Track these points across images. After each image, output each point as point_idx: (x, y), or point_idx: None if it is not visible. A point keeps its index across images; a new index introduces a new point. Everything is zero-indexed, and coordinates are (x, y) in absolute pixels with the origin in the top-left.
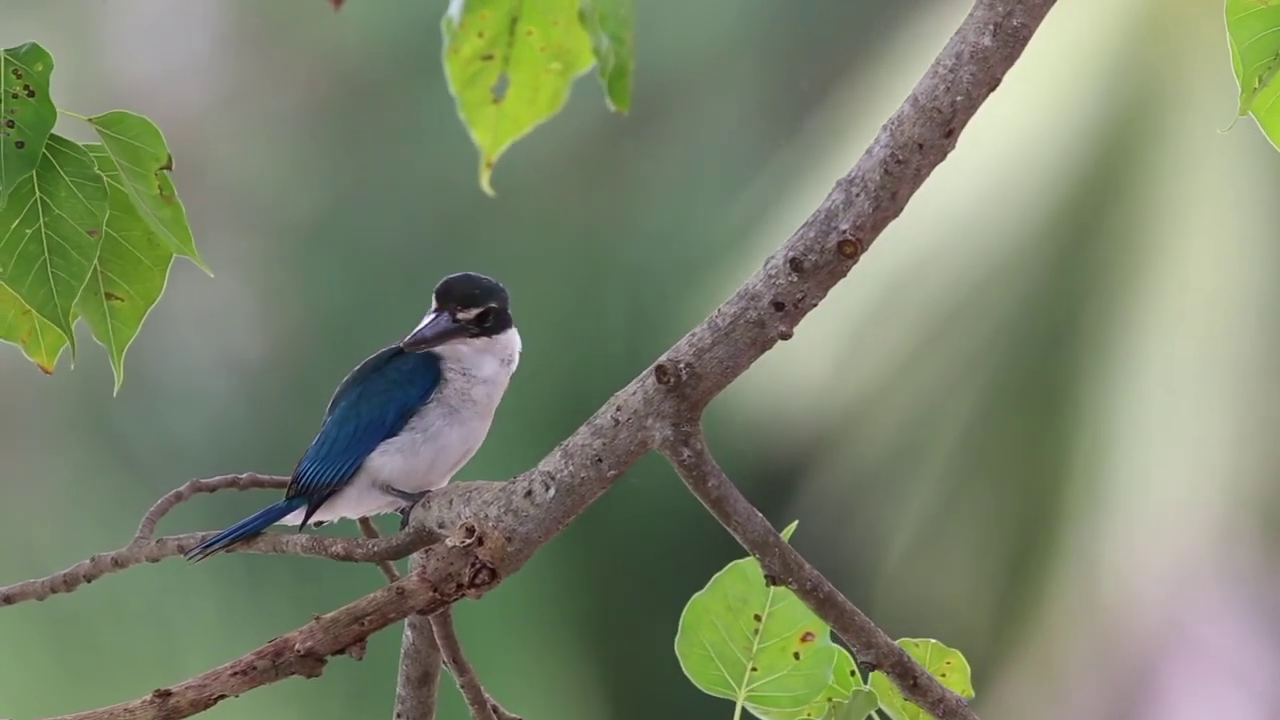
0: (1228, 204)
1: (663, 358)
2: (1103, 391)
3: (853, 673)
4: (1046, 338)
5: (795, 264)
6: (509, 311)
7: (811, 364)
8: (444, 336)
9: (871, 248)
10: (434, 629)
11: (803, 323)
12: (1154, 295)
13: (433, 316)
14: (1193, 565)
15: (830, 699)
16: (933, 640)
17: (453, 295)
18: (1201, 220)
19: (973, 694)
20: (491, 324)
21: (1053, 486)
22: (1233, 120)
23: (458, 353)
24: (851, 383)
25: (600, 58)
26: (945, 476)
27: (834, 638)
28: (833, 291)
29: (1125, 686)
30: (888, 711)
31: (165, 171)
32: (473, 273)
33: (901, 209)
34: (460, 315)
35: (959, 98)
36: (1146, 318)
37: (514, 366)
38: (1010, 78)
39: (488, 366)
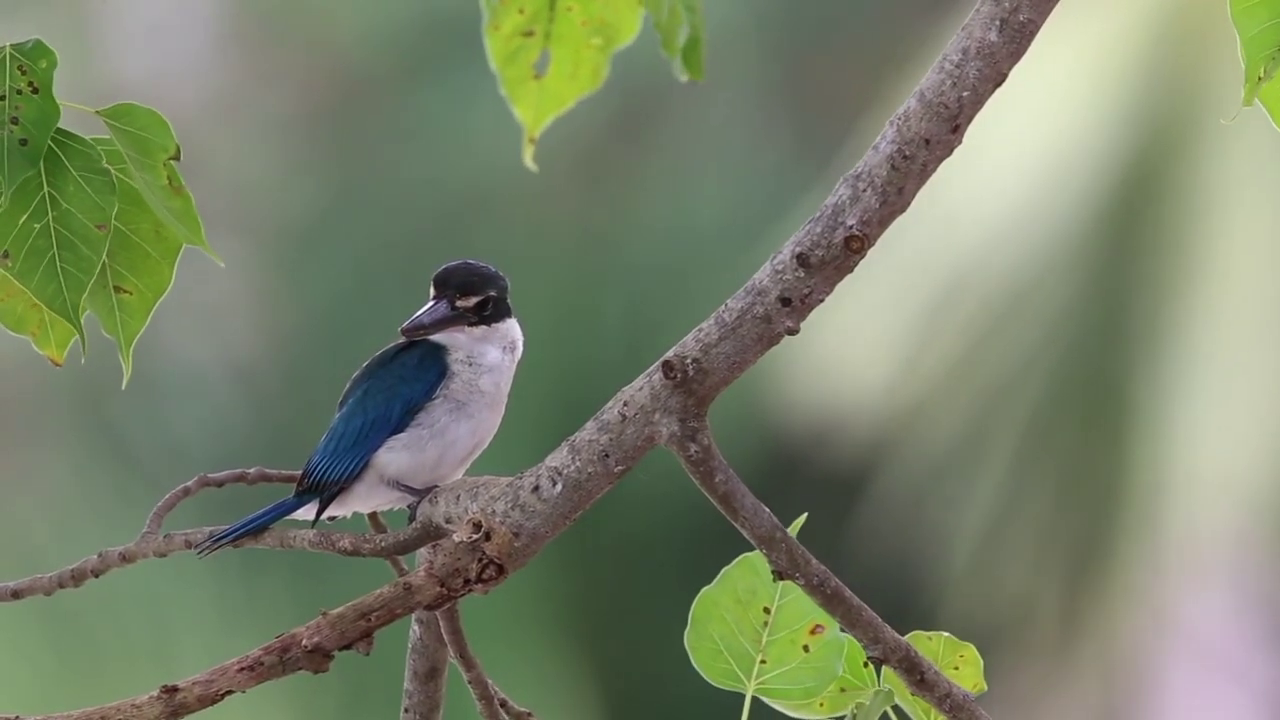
0: (1269, 198)
1: (670, 353)
2: (1155, 387)
3: (866, 664)
4: (1098, 338)
5: (802, 259)
6: (508, 300)
7: (872, 366)
8: (442, 324)
9: (925, 252)
10: (441, 624)
11: (861, 330)
12: (1201, 291)
13: (431, 304)
14: (1222, 565)
15: (842, 689)
16: (945, 634)
17: (451, 283)
18: (1243, 215)
19: (985, 688)
20: (491, 312)
21: (1110, 482)
22: (1236, 111)
23: (457, 341)
24: (911, 384)
25: (662, 29)
26: (1007, 474)
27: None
28: (889, 297)
29: (1146, 687)
30: (903, 706)
31: (173, 162)
32: (471, 260)
33: (908, 204)
34: (459, 303)
35: (965, 93)
36: (1194, 314)
37: (519, 354)
38: (1051, 82)
39: (491, 355)
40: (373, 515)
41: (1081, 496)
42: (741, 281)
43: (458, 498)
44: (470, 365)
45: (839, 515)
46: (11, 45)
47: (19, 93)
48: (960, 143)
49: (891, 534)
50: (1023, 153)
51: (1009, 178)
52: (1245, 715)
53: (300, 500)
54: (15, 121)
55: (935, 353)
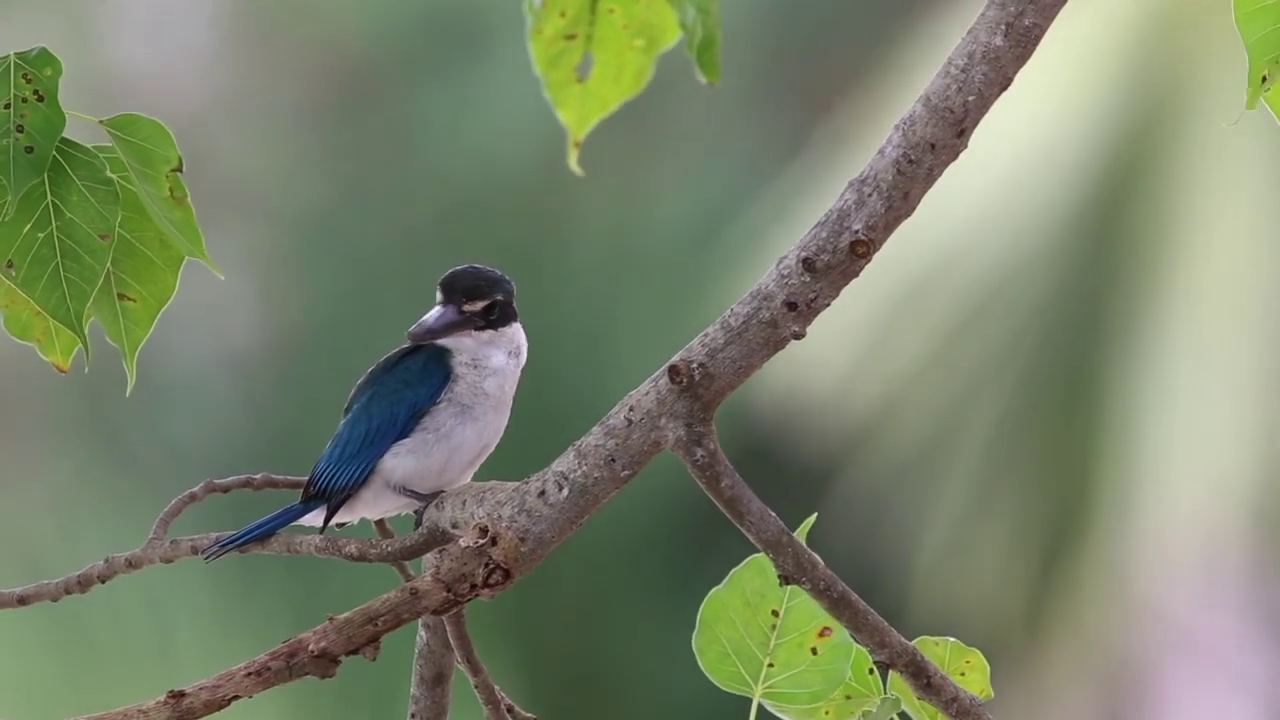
0: (1248, 195)
1: (676, 357)
2: (1129, 384)
3: (871, 670)
4: (1073, 331)
5: (808, 264)
6: (514, 304)
7: (840, 362)
8: (449, 328)
9: (897, 244)
10: (448, 629)
11: (831, 320)
12: (1178, 287)
13: (439, 309)
14: (1197, 562)
15: (848, 695)
16: (952, 639)
17: (458, 287)
18: (1222, 212)
19: (992, 693)
20: (497, 316)
21: (1082, 479)
22: (1239, 114)
23: (463, 345)
24: (880, 380)
25: (686, 30)
26: (975, 472)
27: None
28: (859, 289)
29: (1118, 684)
30: (910, 712)
31: (176, 173)
32: (478, 264)
33: (914, 209)
34: (466, 307)
35: (971, 98)
36: (1171, 309)
37: (523, 359)
38: (1032, 73)
39: (496, 358)
40: (379, 521)
41: (1053, 492)
42: (742, 281)
43: (464, 503)
44: (475, 368)
45: (806, 511)
46: (16, 54)
47: (24, 101)
48: (965, 147)
49: (859, 531)
50: (1002, 147)
51: (987, 173)
52: (1222, 707)
53: (307, 507)
54: (20, 129)
55: (905, 348)
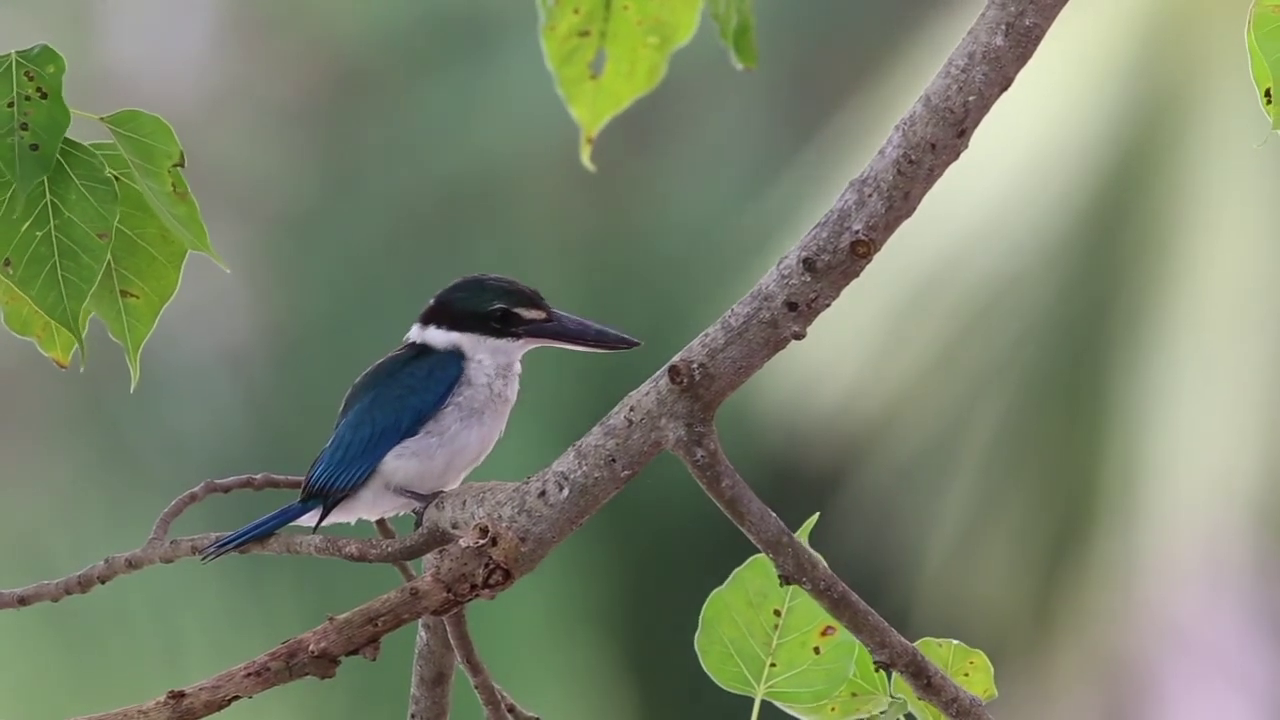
0: (1252, 199)
1: (676, 358)
2: (1133, 387)
3: (877, 668)
4: (1077, 335)
5: (808, 264)
6: None
7: (845, 365)
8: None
9: (902, 248)
10: (448, 629)
11: (836, 324)
12: (1182, 290)
13: (541, 316)
14: (1201, 564)
15: (854, 693)
16: (955, 641)
17: (539, 296)
18: (1227, 215)
19: (996, 694)
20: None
21: (1087, 481)
22: (1266, 136)
23: (492, 346)
24: (885, 383)
25: (720, 19)
26: (981, 475)
27: None
28: (865, 292)
29: (1124, 686)
30: (914, 712)
31: (178, 168)
32: (489, 273)
33: (914, 209)
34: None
35: (971, 98)
36: (1175, 313)
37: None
38: (1036, 77)
39: (517, 365)
40: (380, 520)
41: (1058, 495)
42: (746, 281)
43: (464, 503)
44: (498, 375)
45: (809, 517)
46: (18, 52)
47: (27, 99)
48: (966, 147)
49: (866, 535)
50: (1005, 149)
51: (990, 175)
52: (1225, 708)
53: (305, 506)
54: (25, 127)
55: (910, 352)
